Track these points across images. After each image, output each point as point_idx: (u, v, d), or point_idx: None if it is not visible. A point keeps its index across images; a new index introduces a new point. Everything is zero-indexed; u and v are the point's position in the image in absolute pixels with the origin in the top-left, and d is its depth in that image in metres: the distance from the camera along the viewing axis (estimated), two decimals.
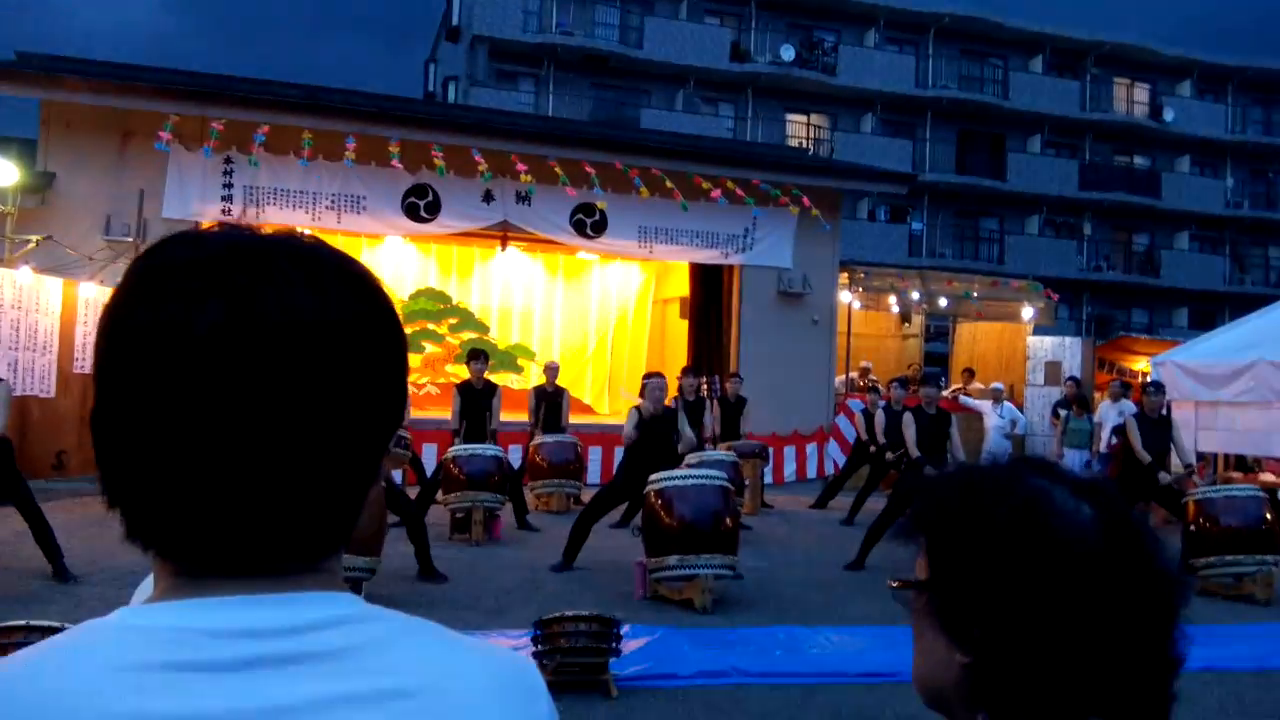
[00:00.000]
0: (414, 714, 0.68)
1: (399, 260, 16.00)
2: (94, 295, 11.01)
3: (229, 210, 12.09)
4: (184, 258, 0.69)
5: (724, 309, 15.05)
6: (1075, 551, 0.89)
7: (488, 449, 9.42)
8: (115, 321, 0.69)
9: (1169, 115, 33.03)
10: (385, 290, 0.76)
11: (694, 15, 30.25)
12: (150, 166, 11.82)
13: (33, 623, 4.00)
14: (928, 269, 20.87)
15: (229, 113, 12.00)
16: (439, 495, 9.35)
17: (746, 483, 11.11)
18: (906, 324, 18.93)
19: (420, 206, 12.92)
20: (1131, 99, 33.80)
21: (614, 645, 4.98)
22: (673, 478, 7.12)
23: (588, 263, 17.04)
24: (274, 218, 12.06)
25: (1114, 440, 11.83)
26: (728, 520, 7.02)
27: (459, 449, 9.39)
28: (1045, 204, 31.98)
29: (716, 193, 13.59)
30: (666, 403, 8.45)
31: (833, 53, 30.69)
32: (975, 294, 17.34)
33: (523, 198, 13.20)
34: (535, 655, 4.90)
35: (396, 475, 10.25)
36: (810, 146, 29.83)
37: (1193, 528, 8.22)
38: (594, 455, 12.88)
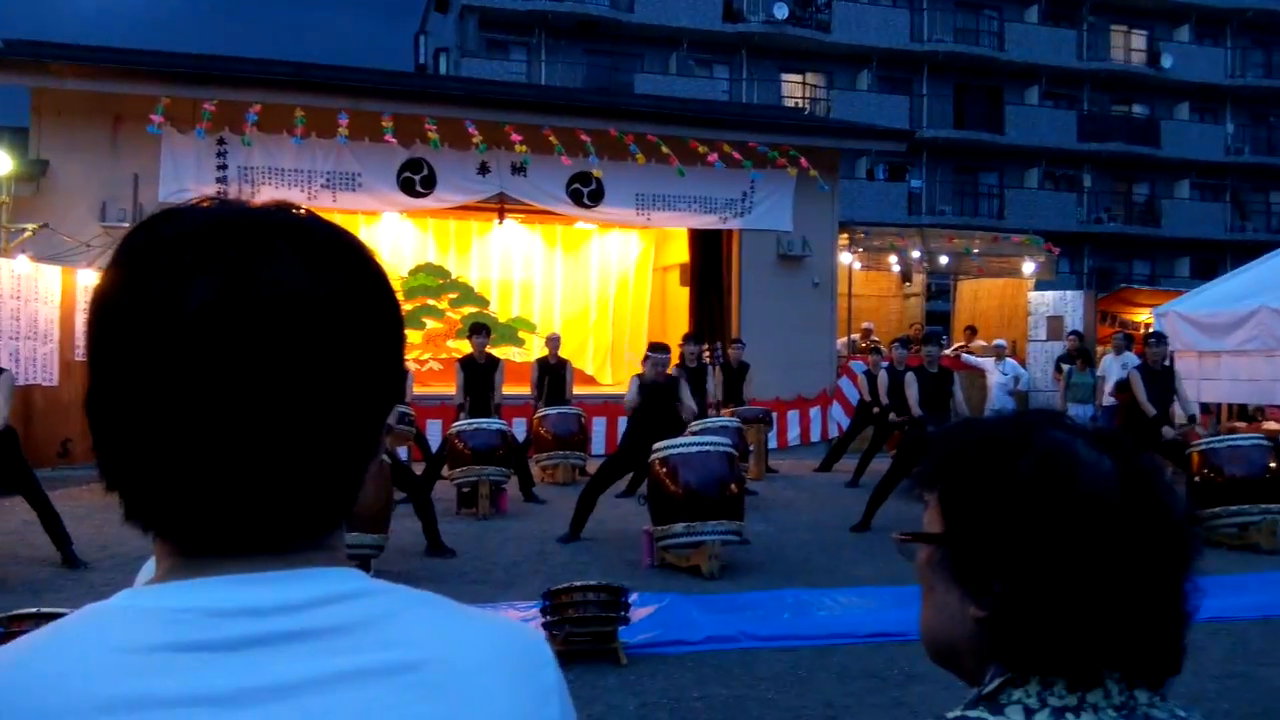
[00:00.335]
0: (420, 686, 0.67)
1: (397, 236, 15.94)
2: (92, 282, 11.01)
3: (224, 192, 12.03)
4: (171, 234, 0.68)
5: (724, 275, 15.01)
6: (1101, 504, 0.88)
7: (492, 423, 9.44)
8: (105, 302, 0.68)
9: (1167, 61, 32.69)
10: (379, 261, 0.75)
11: None
12: (144, 150, 11.77)
13: (43, 610, 4.01)
14: (928, 227, 20.78)
15: (220, 93, 11.92)
16: (445, 470, 9.39)
17: (751, 448, 11.14)
18: (907, 283, 18.87)
19: (416, 181, 12.86)
20: (1129, 46, 33.45)
21: (623, 614, 5.02)
22: (677, 445, 7.14)
23: (586, 232, 16.98)
24: (269, 197, 11.95)
25: (1116, 393, 11.82)
26: (733, 486, 7.04)
27: (463, 424, 9.41)
28: (1044, 156, 31.78)
29: (713, 157, 13.51)
30: (669, 371, 8.46)
31: (826, 9, 30.36)
32: (976, 250, 17.28)
33: (518, 169, 13.13)
34: (545, 626, 4.94)
35: (402, 452, 10.28)
36: (806, 106, 29.60)
37: (1197, 479, 8.24)
38: (598, 426, 12.91)
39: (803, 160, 13.91)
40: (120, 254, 0.69)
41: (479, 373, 10.07)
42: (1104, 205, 32.79)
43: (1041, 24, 32.29)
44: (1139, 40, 33.60)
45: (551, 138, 12.73)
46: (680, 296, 16.22)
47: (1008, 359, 14.73)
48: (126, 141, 11.92)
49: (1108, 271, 31.30)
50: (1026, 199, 31.32)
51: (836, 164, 15.37)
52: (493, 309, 16.73)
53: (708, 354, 11.78)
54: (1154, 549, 0.89)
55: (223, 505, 0.67)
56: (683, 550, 6.95)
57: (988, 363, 14.84)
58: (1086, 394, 12.84)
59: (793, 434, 14.65)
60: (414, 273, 16.27)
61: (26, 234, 11.09)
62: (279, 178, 12.29)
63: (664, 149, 13.21)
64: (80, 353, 10.86)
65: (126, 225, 11.79)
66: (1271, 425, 11.65)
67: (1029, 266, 17.38)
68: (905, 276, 18.22)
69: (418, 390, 11.91)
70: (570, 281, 17.48)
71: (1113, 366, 12.52)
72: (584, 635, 4.94)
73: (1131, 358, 11.93)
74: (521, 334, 16.97)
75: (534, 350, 15.61)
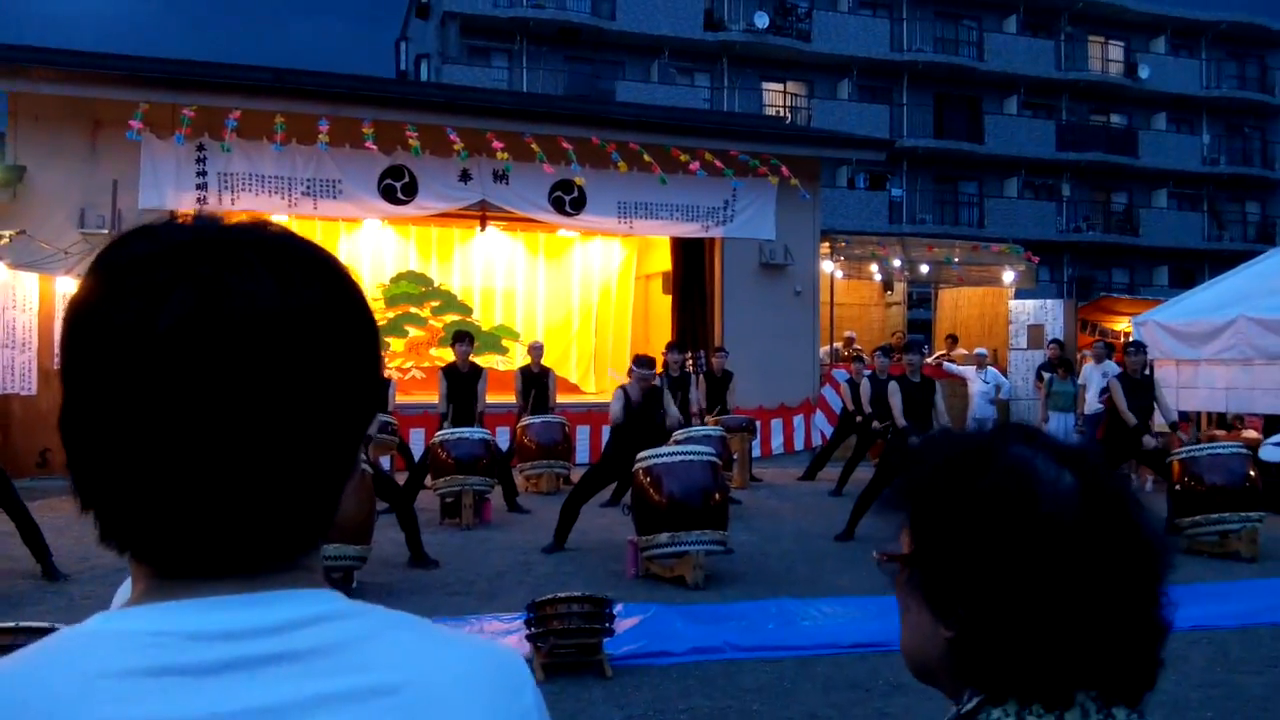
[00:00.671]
0: (397, 710, 0.67)
1: (378, 244, 15.88)
2: (71, 290, 10.89)
3: (204, 199, 11.96)
4: (145, 251, 0.68)
5: (707, 283, 15.02)
6: (1058, 522, 0.87)
7: (475, 432, 9.39)
8: (78, 320, 0.67)
9: (1144, 72, 33.06)
10: (353, 276, 0.74)
11: None
12: (123, 157, 11.67)
13: (22, 624, 3.95)
14: (908, 236, 20.87)
15: (199, 99, 11.85)
16: (428, 480, 9.34)
17: (734, 457, 11.14)
18: (889, 292, 18.96)
19: (397, 188, 12.82)
20: (1106, 57, 33.79)
21: (607, 625, 4.99)
22: (660, 455, 7.13)
23: (568, 240, 16.96)
24: (250, 204, 11.94)
25: (1102, 399, 11.89)
26: (717, 495, 7.04)
27: (446, 433, 9.36)
28: (1023, 166, 32.03)
29: (695, 165, 13.53)
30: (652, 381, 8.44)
31: (807, 19, 30.51)
32: (956, 259, 17.36)
33: (500, 176, 13.11)
34: (529, 638, 4.92)
35: (385, 461, 10.22)
36: (787, 115, 29.73)
37: (1178, 487, 8.28)
38: (582, 435, 12.88)
39: (784, 169, 13.96)
40: (94, 271, 0.69)
41: (462, 381, 10.02)
42: (1083, 214, 33.07)
43: (1020, 34, 32.58)
44: (1116, 51, 33.96)
45: (533, 145, 12.71)
46: (663, 305, 16.22)
47: (989, 367, 14.80)
48: (105, 147, 11.82)
49: (1087, 280, 31.55)
50: (1006, 208, 31.54)
51: (818, 173, 15.42)
52: (475, 317, 16.68)
53: (690, 363, 11.77)
54: (1119, 566, 0.88)
55: (198, 527, 0.66)
56: (667, 560, 6.94)
57: (969, 371, 14.91)
58: (1068, 402, 12.92)
59: (776, 443, 14.67)
60: (396, 280, 16.21)
61: (4, 240, 10.97)
62: (259, 184, 12.22)
63: (646, 157, 13.22)
64: (58, 363, 10.76)
65: (105, 232, 11.77)
66: (1251, 434, 11.74)
67: (1009, 275, 17.50)
68: (887, 285, 18.30)
69: (400, 399, 11.85)
70: (553, 289, 17.46)
71: (1093, 375, 12.60)
72: (569, 647, 4.92)
73: (1112, 366, 12.01)
74: (505, 342, 16.93)
75: (517, 359, 15.56)
